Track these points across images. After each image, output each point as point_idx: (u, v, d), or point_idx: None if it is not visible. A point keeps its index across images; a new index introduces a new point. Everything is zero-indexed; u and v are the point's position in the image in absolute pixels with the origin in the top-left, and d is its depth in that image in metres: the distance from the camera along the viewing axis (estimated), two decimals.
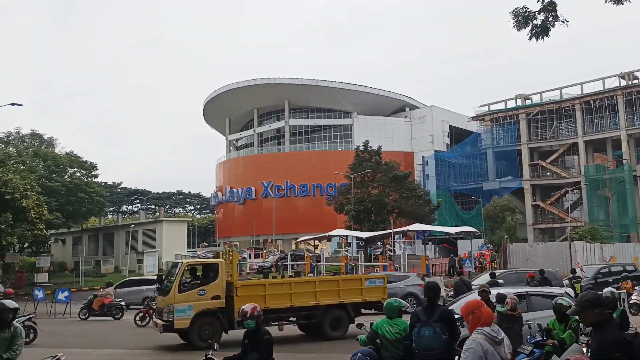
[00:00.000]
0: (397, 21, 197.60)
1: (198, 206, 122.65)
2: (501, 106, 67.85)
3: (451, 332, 6.15)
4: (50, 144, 57.38)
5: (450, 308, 7.82)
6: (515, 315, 9.28)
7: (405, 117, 77.82)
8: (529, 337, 9.10)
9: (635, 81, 58.07)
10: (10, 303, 6.81)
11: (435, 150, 71.92)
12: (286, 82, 75.55)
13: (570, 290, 13.79)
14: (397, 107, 79.31)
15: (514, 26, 9.03)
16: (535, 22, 8.85)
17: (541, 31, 8.77)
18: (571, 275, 21.27)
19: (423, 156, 71.79)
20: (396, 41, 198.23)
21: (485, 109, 69.04)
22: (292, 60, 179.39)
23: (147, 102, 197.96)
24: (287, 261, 45.13)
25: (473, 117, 70.09)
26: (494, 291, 10.74)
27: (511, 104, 67.00)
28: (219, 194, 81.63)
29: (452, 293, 17.61)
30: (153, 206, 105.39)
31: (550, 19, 8.75)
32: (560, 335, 8.26)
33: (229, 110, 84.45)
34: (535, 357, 8.32)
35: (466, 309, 4.72)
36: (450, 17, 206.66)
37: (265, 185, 73.03)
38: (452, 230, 41.58)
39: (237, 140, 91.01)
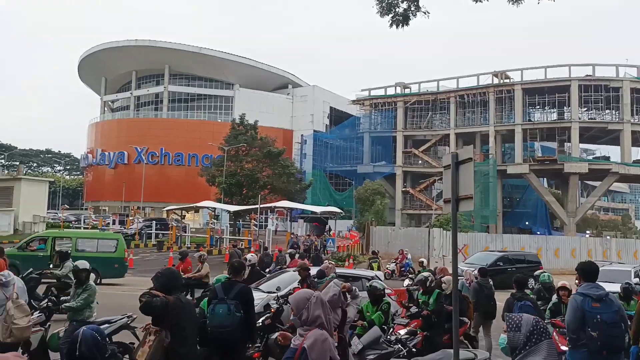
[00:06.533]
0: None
1: (67, 167, 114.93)
2: (381, 92, 69.56)
3: (247, 310, 5.95)
4: None
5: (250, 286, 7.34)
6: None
7: (288, 94, 77.57)
8: None
9: (507, 80, 61.51)
10: (82, 264, 7.65)
11: (314, 130, 72.52)
12: (168, 46, 71.99)
13: (380, 274, 13.94)
14: (280, 84, 78.73)
15: (377, 12, 8.86)
16: (397, 9, 8.71)
17: (402, 19, 8.68)
18: (372, 256, 21.48)
19: (302, 135, 72.15)
20: (288, 17, 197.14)
21: (366, 93, 70.51)
22: (180, 26, 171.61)
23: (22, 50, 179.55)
24: (151, 229, 43.46)
25: (353, 101, 71.34)
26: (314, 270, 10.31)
27: (391, 91, 68.96)
28: (90, 155, 76.97)
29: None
30: (17, 163, 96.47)
31: (412, 9, 8.67)
32: (372, 317, 8.12)
33: (106, 69, 79.14)
34: None
35: None
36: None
37: (139, 150, 69.53)
38: (317, 209, 42.29)
39: (112, 101, 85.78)
